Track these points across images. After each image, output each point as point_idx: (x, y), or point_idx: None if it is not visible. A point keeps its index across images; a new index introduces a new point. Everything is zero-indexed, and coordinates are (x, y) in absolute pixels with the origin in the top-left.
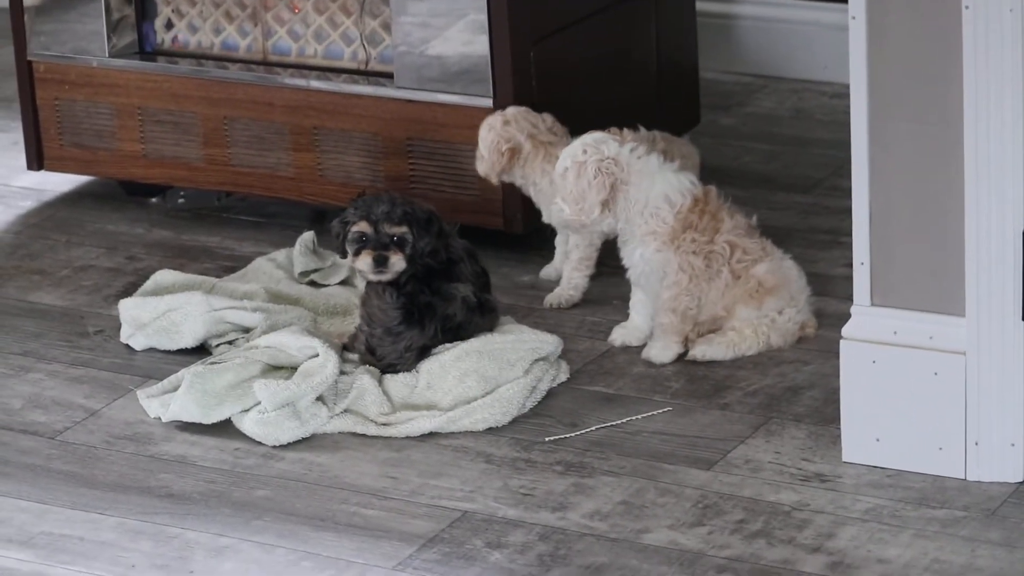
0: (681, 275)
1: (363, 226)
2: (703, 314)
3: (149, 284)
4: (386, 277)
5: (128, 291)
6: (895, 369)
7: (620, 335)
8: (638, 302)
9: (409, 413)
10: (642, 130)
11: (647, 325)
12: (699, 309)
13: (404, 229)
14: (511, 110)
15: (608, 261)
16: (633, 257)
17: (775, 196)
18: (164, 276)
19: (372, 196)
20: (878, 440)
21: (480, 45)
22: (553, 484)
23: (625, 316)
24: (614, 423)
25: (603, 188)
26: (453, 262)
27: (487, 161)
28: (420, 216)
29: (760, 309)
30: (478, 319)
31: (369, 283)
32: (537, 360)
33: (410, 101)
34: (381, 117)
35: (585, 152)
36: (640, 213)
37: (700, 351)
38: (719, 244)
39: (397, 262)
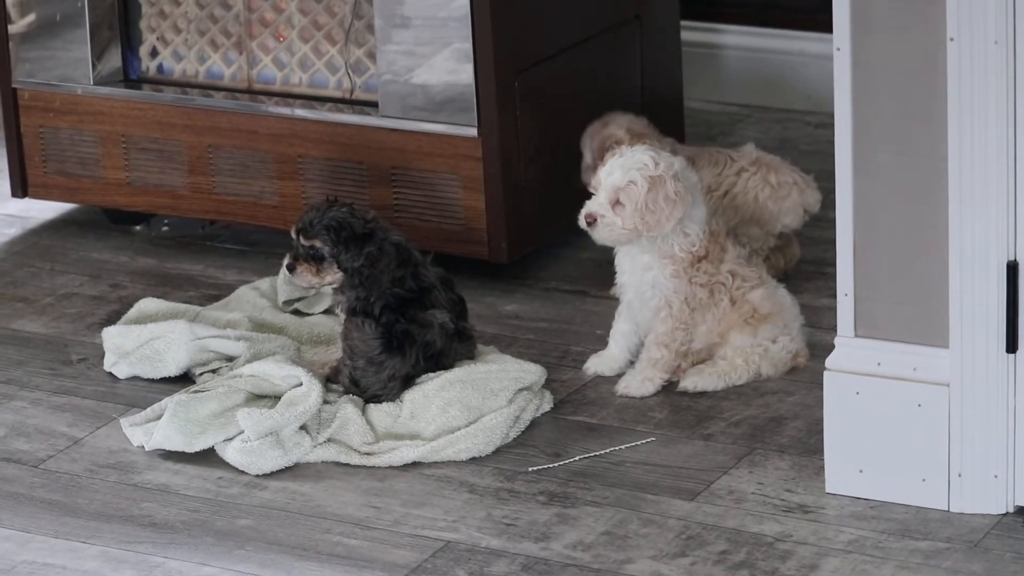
0: (684, 309)
1: (292, 231)
2: (698, 343)
3: (133, 312)
4: (301, 284)
5: (112, 319)
6: (879, 400)
7: (595, 364)
8: (619, 331)
9: (392, 443)
10: (750, 145)
11: (624, 356)
12: (691, 342)
13: (317, 243)
14: (608, 115)
15: (593, 290)
16: (643, 277)
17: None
18: (148, 304)
19: (323, 204)
20: (861, 471)
21: (465, 74)
22: (536, 514)
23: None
24: (597, 453)
25: (684, 204)
26: (425, 290)
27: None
28: (344, 232)
29: (755, 336)
30: (457, 346)
31: (348, 317)
32: (521, 389)
33: (395, 130)
34: (366, 146)
35: (658, 165)
36: (672, 232)
37: (692, 382)
38: (723, 274)
39: (305, 274)
